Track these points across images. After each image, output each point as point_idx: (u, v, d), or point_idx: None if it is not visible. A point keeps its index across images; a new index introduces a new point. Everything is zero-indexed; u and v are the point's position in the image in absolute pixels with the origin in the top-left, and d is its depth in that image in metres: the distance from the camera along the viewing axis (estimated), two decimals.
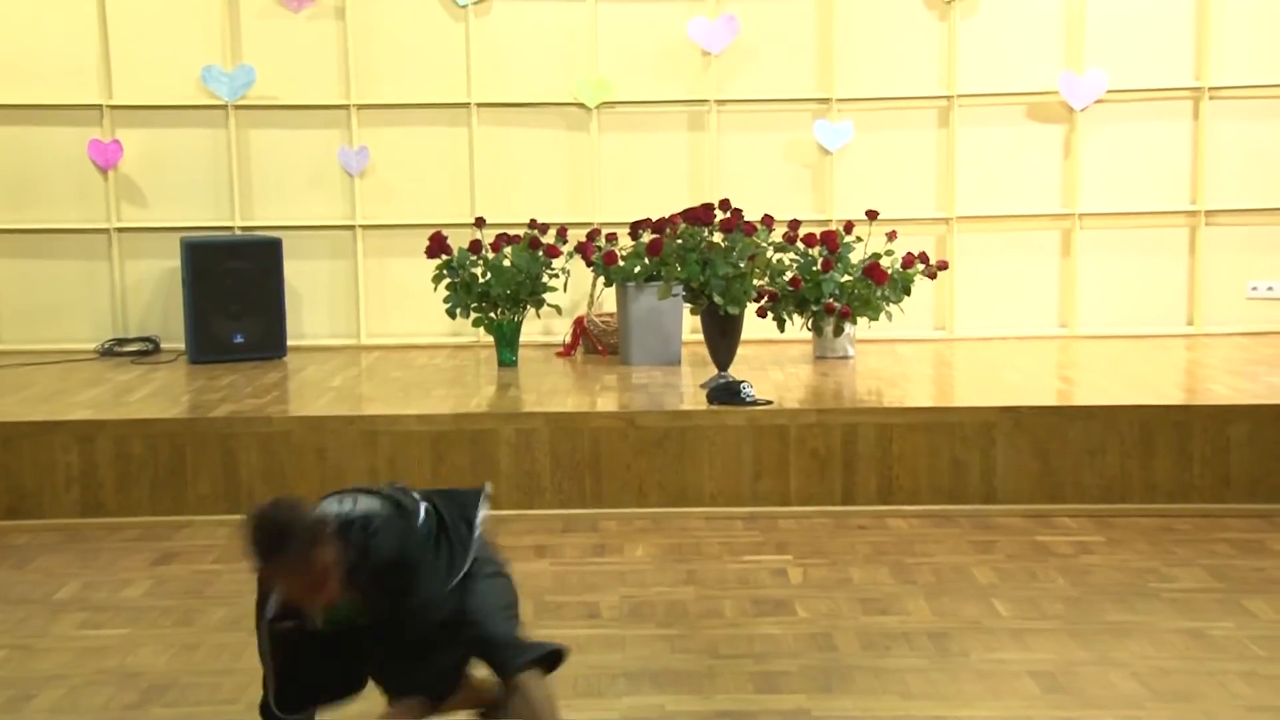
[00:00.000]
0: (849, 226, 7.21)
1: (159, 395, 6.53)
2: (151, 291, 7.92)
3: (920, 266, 7.14)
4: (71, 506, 5.76)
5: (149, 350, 7.73)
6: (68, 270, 7.89)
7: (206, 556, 5.31)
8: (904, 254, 7.13)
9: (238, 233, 7.80)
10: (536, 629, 4.45)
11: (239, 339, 7.39)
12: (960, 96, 7.83)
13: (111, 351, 7.69)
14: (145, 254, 7.86)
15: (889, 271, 7.02)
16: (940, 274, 7.36)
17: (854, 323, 7.14)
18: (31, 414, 6.03)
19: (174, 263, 7.60)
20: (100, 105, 7.78)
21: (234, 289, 7.35)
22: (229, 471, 5.84)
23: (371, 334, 7.98)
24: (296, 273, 7.74)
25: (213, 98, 7.78)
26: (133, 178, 7.87)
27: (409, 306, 7.84)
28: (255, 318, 7.42)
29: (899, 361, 7.24)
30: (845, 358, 7.28)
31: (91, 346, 7.77)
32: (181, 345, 7.53)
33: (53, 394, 6.53)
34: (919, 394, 6.60)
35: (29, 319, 7.87)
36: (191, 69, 7.77)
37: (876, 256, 7.05)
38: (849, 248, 7.07)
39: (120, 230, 7.87)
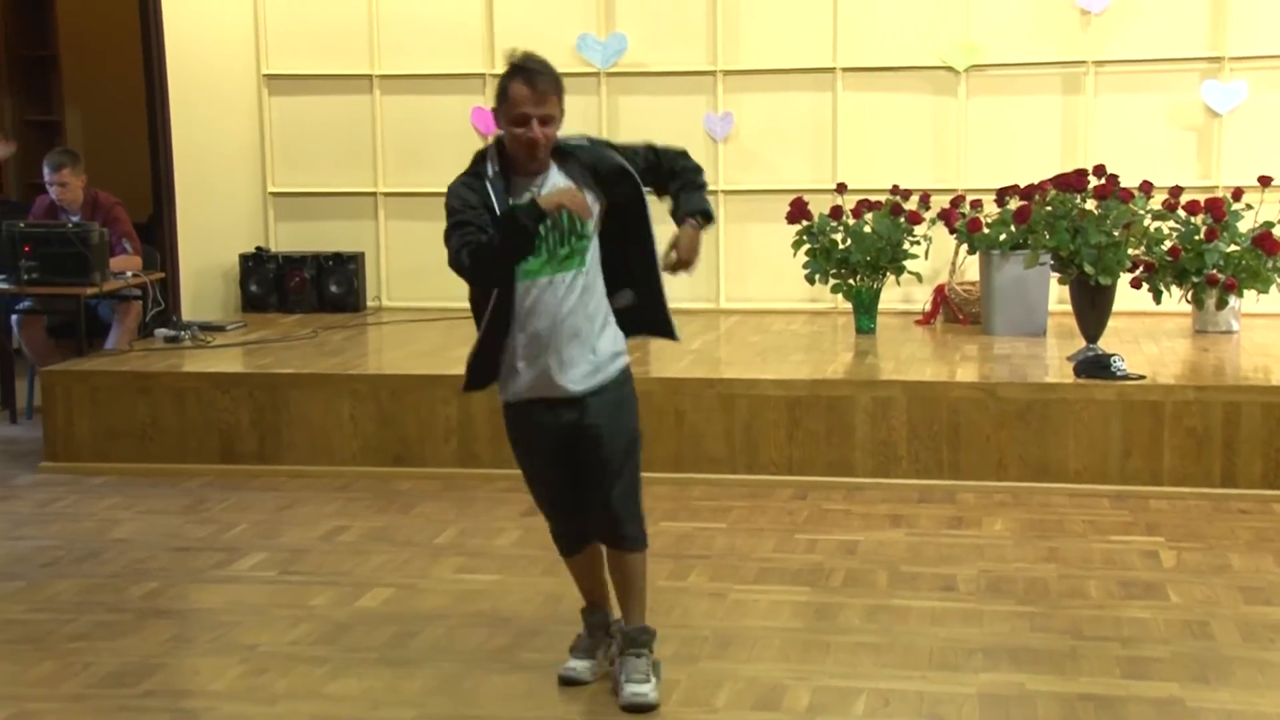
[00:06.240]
0: (1238, 194, 6.79)
1: None
2: None
3: None
4: (450, 457, 6.10)
5: None
6: None
7: None
8: None
9: None
10: (890, 599, 4.44)
11: None
12: None
13: None
14: None
15: None
16: None
17: (1240, 295, 6.72)
18: (416, 368, 6.42)
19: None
20: (483, 74, 8.18)
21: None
22: None
23: (731, 298, 8.09)
24: (661, 237, 7.90)
25: (586, 65, 8.04)
26: None
27: (768, 272, 7.90)
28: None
29: None
30: (1229, 332, 6.89)
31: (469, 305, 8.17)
32: None
33: (434, 349, 6.93)
34: None
35: (414, 278, 8.37)
36: (567, 38, 8.06)
37: (1269, 225, 6.61)
38: (1237, 216, 6.65)
39: None
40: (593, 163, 3.62)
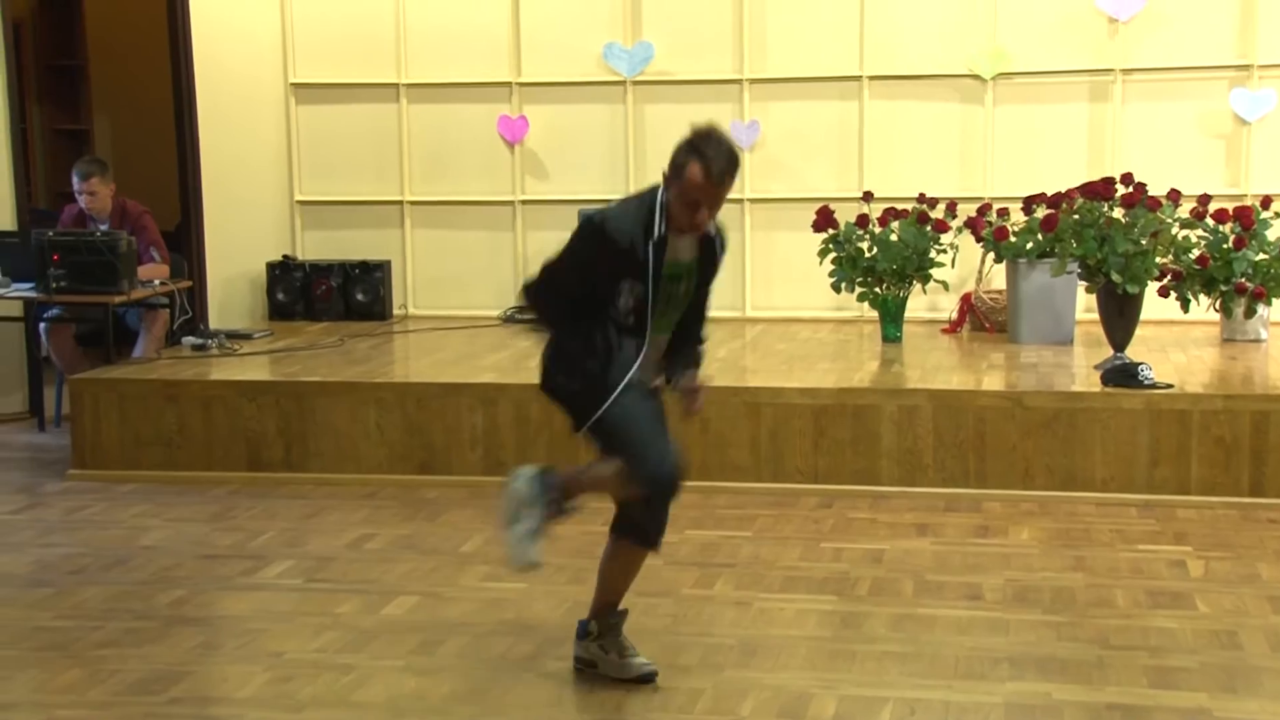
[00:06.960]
0: (1266, 201, 6.75)
1: None
2: None
3: None
4: (476, 464, 6.11)
5: None
6: (475, 241, 8.36)
7: (596, 519, 5.51)
8: None
9: None
10: (916, 607, 4.43)
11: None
12: None
13: (513, 319, 8.10)
14: (545, 225, 8.23)
15: None
16: None
17: (1268, 304, 6.69)
18: (442, 376, 6.44)
19: None
20: (510, 83, 8.20)
21: None
22: None
23: (757, 306, 8.08)
24: None
25: (613, 74, 8.05)
26: (536, 152, 8.26)
27: (794, 280, 7.89)
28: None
29: None
30: (1257, 341, 6.85)
31: (495, 313, 8.21)
32: None
33: (460, 358, 6.95)
34: None
35: (439, 286, 8.40)
36: (594, 47, 8.07)
37: None
38: (1265, 224, 6.62)
39: (524, 202, 8.28)
40: (711, 257, 3.75)
